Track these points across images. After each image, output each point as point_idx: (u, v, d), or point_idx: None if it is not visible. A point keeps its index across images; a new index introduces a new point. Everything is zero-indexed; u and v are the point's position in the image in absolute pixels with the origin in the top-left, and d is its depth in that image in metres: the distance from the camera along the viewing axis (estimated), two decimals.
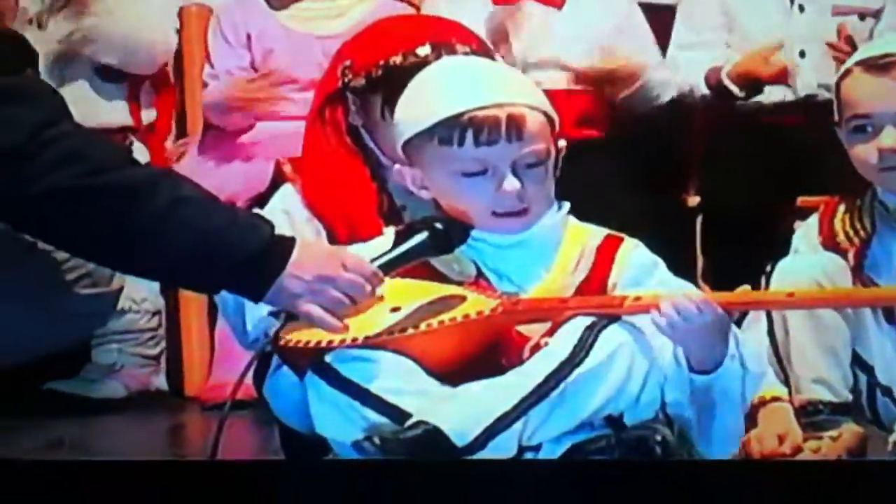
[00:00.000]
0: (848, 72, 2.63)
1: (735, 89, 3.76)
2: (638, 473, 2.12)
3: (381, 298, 2.35)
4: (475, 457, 2.24)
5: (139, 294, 3.76)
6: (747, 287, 2.35)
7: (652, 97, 3.82)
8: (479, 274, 2.40)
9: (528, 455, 2.29)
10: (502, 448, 2.26)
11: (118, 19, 3.82)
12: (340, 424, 2.30)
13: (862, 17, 3.76)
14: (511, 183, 2.37)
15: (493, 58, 2.65)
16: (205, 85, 3.88)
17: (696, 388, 2.31)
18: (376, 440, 2.23)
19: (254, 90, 3.74)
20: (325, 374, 2.30)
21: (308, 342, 2.32)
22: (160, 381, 3.89)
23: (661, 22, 3.91)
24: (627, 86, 3.73)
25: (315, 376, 2.31)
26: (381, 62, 2.59)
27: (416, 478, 2.13)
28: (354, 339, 2.31)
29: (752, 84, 3.75)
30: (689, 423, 2.33)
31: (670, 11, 3.93)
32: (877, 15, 3.78)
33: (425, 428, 2.24)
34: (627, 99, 3.78)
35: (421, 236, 2.38)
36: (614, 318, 2.28)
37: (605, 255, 2.41)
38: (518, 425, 2.26)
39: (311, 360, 2.32)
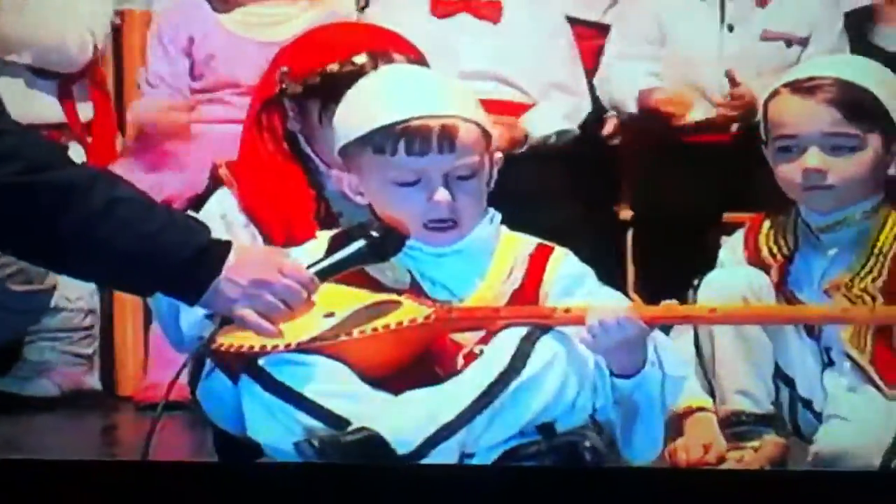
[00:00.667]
0: (776, 93, 2.66)
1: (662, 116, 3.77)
2: (569, 480, 2.15)
3: (313, 304, 2.35)
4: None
5: (74, 292, 3.72)
6: (673, 301, 2.38)
7: (549, 147, 3.79)
8: (414, 282, 2.42)
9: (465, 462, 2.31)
10: (443, 456, 2.28)
11: (24, 23, 3.79)
12: (273, 428, 2.31)
13: (788, 43, 3.81)
14: (442, 194, 2.38)
15: (428, 67, 2.66)
16: (137, 87, 3.87)
17: (618, 394, 2.35)
18: (315, 442, 2.24)
19: (171, 118, 3.74)
20: (259, 377, 2.31)
21: (241, 346, 2.31)
22: (93, 381, 3.85)
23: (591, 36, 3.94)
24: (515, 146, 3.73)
25: (249, 380, 2.31)
26: (319, 69, 2.60)
27: (353, 482, 2.14)
28: (288, 345, 2.31)
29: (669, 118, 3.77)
30: (615, 428, 2.36)
31: (600, 27, 3.96)
32: (803, 43, 3.81)
33: (367, 434, 2.25)
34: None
35: (358, 244, 2.39)
36: (547, 329, 2.31)
37: (538, 264, 2.43)
38: (461, 434, 2.28)
39: (245, 364, 2.32)
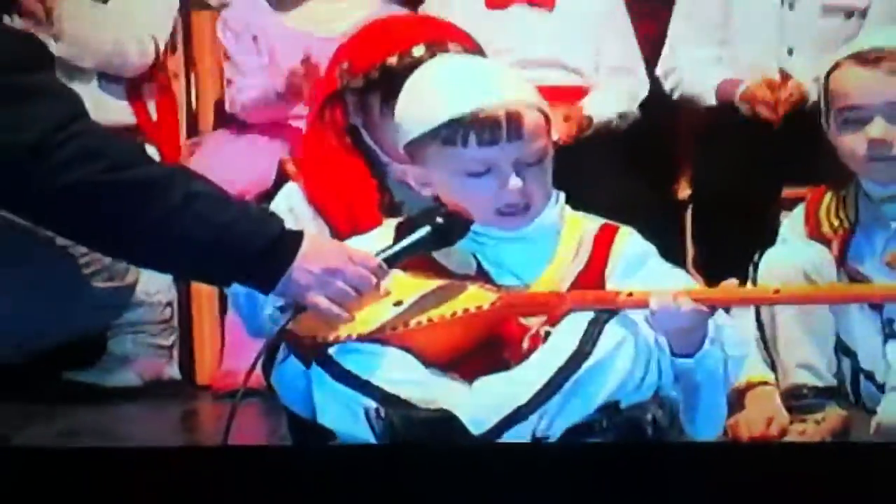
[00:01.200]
0: (837, 65, 2.61)
1: (745, 111, 3.66)
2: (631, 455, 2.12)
3: (382, 292, 2.34)
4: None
5: (153, 286, 3.75)
6: (733, 280, 2.33)
7: (613, 131, 3.74)
8: (479, 267, 2.39)
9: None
10: (519, 437, 2.25)
11: (85, 29, 3.80)
12: (344, 416, 2.31)
13: (849, 14, 3.72)
14: (514, 182, 2.36)
15: (485, 56, 2.63)
16: (228, 82, 3.86)
17: (679, 372, 2.32)
18: (383, 414, 2.23)
19: (300, 78, 3.64)
20: (329, 366, 2.30)
21: (314, 336, 2.32)
22: (173, 371, 3.87)
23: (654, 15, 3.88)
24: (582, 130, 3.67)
25: (318, 369, 2.31)
26: (378, 63, 2.58)
27: (420, 463, 2.13)
28: (359, 334, 2.30)
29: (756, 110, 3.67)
30: (677, 404, 2.33)
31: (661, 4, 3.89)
32: (863, 14, 3.73)
33: (442, 413, 2.24)
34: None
35: (423, 230, 2.37)
36: (614, 312, 2.29)
37: (602, 244, 2.41)
38: (534, 417, 2.26)
39: (315, 354, 2.31)
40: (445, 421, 2.24)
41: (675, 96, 3.79)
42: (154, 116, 3.91)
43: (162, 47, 3.90)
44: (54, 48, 3.65)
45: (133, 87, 3.88)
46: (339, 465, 2.15)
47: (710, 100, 3.73)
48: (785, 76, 3.65)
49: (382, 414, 2.24)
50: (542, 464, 2.12)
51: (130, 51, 3.83)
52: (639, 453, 2.14)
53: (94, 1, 3.81)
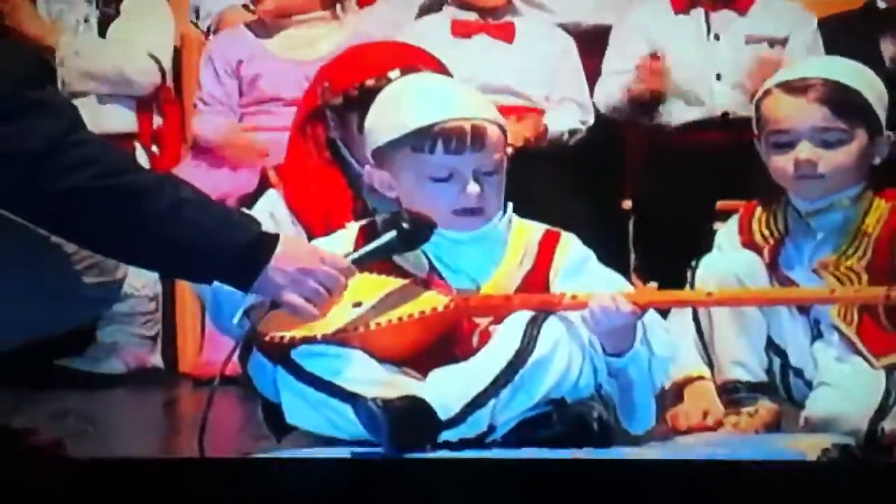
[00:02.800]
0: (767, 92, 2.61)
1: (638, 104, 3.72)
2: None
3: (348, 294, 2.31)
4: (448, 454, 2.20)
5: (140, 281, 3.75)
6: (654, 284, 2.32)
7: (562, 144, 3.77)
8: (432, 267, 2.37)
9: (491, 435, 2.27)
10: (477, 424, 2.25)
11: (87, 60, 3.87)
12: (310, 415, 2.28)
13: (771, 44, 3.76)
14: (473, 187, 2.35)
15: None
16: (194, 106, 3.92)
17: (612, 370, 2.31)
18: (378, 402, 2.19)
19: (233, 141, 3.78)
20: (292, 369, 2.28)
21: (280, 338, 2.28)
22: (156, 359, 3.86)
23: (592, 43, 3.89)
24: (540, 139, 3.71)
25: (283, 371, 2.29)
26: (357, 84, 2.60)
27: (397, 475, 2.08)
28: (323, 335, 2.27)
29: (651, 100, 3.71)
30: (613, 401, 2.32)
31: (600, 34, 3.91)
32: (783, 43, 3.76)
33: (414, 399, 2.22)
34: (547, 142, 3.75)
35: (390, 234, 2.35)
36: (550, 312, 2.28)
37: (546, 249, 2.40)
38: (490, 404, 2.24)
39: (280, 356, 2.29)
40: (418, 406, 2.21)
41: (605, 111, 3.81)
42: (156, 124, 3.95)
43: (167, 65, 3.96)
44: (63, 85, 3.77)
45: (142, 102, 3.94)
46: (315, 478, 2.10)
47: (624, 105, 3.74)
48: (655, 56, 3.66)
49: (379, 403, 2.19)
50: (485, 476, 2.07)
51: (135, 77, 3.90)
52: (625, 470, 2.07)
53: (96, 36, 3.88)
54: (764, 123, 2.60)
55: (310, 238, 2.54)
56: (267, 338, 2.29)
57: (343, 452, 2.22)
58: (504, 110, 2.59)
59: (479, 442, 2.26)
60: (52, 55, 3.82)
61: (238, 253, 2.27)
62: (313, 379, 2.26)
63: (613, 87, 3.77)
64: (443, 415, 2.23)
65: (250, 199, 2.72)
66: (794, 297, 2.52)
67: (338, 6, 3.89)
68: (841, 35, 3.77)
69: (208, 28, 4.09)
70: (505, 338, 2.28)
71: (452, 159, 2.35)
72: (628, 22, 3.84)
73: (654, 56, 3.71)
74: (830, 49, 3.70)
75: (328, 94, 2.64)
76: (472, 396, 2.24)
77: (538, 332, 2.26)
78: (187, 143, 4.01)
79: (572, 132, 3.78)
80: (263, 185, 2.70)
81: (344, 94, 2.62)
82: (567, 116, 3.79)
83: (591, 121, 3.81)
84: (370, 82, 2.58)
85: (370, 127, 2.43)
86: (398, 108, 2.40)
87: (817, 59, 3.40)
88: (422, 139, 2.35)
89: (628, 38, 3.80)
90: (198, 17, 4.13)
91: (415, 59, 2.63)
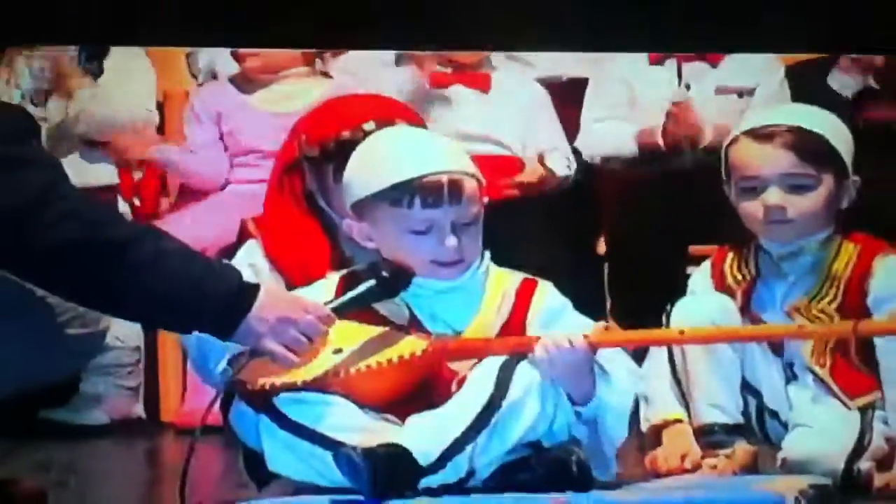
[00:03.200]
0: (735, 139, 2.60)
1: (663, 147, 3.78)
2: None
3: (329, 341, 2.29)
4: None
5: (122, 332, 3.73)
6: (602, 324, 2.32)
7: (560, 188, 3.83)
8: (412, 316, 2.37)
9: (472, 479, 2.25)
10: (457, 469, 2.23)
11: (101, 102, 3.92)
12: (291, 462, 2.26)
13: (740, 94, 3.80)
14: (451, 240, 2.35)
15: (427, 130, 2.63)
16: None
17: (581, 419, 2.30)
18: (359, 450, 2.17)
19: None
20: (276, 416, 2.26)
21: (262, 385, 2.26)
22: (139, 409, 3.85)
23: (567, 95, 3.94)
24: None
25: (266, 419, 2.27)
26: (333, 136, 2.60)
27: None
28: (304, 381, 2.25)
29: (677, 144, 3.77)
30: (584, 447, 2.31)
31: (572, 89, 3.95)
32: (751, 93, 3.81)
33: (395, 447, 2.20)
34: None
35: (369, 283, 2.34)
36: (522, 357, 2.27)
37: (524, 297, 2.39)
38: (468, 449, 2.23)
39: (262, 403, 2.27)
40: (398, 452, 2.19)
41: (597, 160, 3.85)
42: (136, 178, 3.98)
43: (155, 119, 4.03)
44: (74, 127, 3.83)
45: (121, 155, 3.98)
46: None
47: (632, 148, 3.78)
48: (683, 105, 3.72)
49: (360, 451, 2.17)
50: None
51: (138, 125, 3.97)
52: None
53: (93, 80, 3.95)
54: (732, 170, 2.60)
55: (289, 287, 2.52)
56: (249, 385, 2.26)
57: (323, 501, 2.20)
58: (482, 159, 2.59)
59: (459, 487, 2.23)
60: (70, 93, 3.87)
61: (220, 303, 2.25)
62: (296, 426, 2.25)
63: (614, 134, 3.81)
64: (422, 461, 2.21)
65: (230, 250, 2.70)
66: (764, 334, 2.51)
67: (318, 61, 3.93)
68: (807, 81, 3.82)
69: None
70: (478, 383, 2.27)
71: (430, 213, 2.34)
72: (607, 72, 3.90)
73: (680, 105, 3.75)
74: (798, 96, 3.75)
75: (305, 146, 2.64)
76: (449, 442, 2.22)
77: (511, 377, 2.25)
78: (169, 195, 4.02)
79: (566, 178, 3.85)
80: (243, 237, 2.68)
81: (320, 146, 2.61)
82: (558, 163, 3.85)
83: (574, 165, 3.86)
84: (346, 134, 2.57)
85: (348, 180, 2.42)
86: (376, 163, 2.39)
87: (783, 106, 3.41)
88: (400, 194, 2.34)
89: (608, 87, 3.87)
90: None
91: (390, 112, 2.63)
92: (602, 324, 2.31)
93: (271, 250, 2.61)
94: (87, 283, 2.24)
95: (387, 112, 2.62)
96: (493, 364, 2.27)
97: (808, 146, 2.53)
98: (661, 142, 3.75)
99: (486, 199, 2.42)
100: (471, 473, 2.24)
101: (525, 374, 2.26)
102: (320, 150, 2.61)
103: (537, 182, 3.74)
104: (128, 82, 4.00)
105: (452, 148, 2.45)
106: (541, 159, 3.77)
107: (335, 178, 2.57)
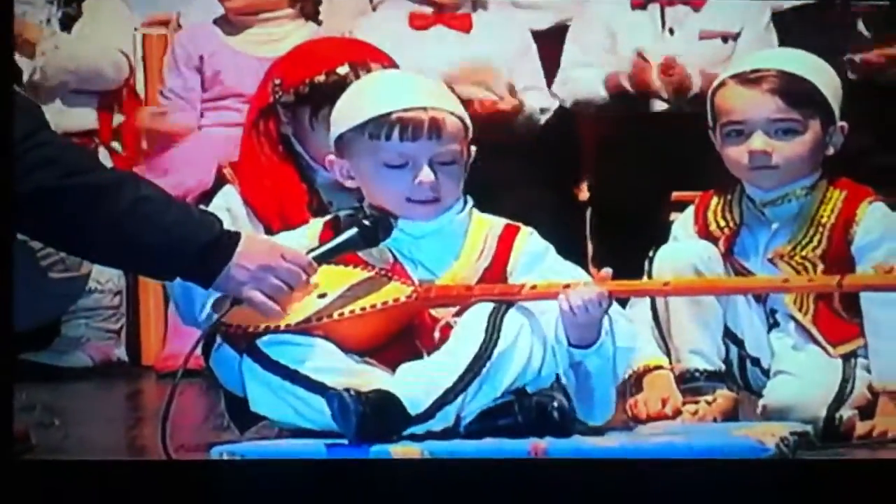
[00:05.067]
0: (722, 84, 2.54)
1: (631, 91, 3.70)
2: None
3: (311, 287, 2.27)
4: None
5: (104, 276, 3.72)
6: (607, 273, 2.27)
7: (533, 123, 3.77)
8: (396, 261, 2.34)
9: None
10: (446, 418, 2.20)
11: (66, 54, 3.85)
12: (273, 403, 2.24)
13: (725, 39, 3.74)
14: (426, 175, 2.31)
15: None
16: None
17: (574, 361, 2.27)
18: (351, 392, 2.14)
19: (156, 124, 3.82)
20: (259, 358, 2.24)
21: (245, 327, 2.25)
22: (121, 353, 3.83)
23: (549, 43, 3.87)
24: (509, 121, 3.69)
25: (249, 360, 2.24)
26: (307, 80, 2.58)
27: (368, 478, 2.04)
28: (287, 325, 2.24)
29: (644, 91, 3.69)
30: (573, 391, 2.27)
31: (558, 33, 3.89)
32: (736, 37, 3.75)
33: (385, 393, 2.16)
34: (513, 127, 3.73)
35: (351, 231, 2.32)
36: (510, 304, 2.24)
37: (505, 243, 2.36)
38: (459, 399, 2.20)
39: (245, 345, 2.24)
40: (387, 400, 2.16)
41: (569, 105, 3.78)
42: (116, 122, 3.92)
43: (133, 61, 3.97)
44: (43, 77, 3.78)
45: (104, 98, 3.93)
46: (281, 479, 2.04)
47: (602, 93, 3.71)
48: (671, 61, 3.63)
49: (353, 393, 2.13)
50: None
51: (109, 72, 3.90)
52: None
53: (61, 31, 3.88)
54: (718, 114, 2.55)
55: (267, 232, 2.51)
56: (233, 328, 2.25)
57: (317, 445, 2.17)
58: (466, 103, 2.52)
59: (443, 434, 2.20)
60: (33, 51, 3.81)
61: (200, 251, 2.23)
62: (279, 367, 2.24)
63: (587, 80, 3.75)
64: (412, 410, 2.18)
65: (207, 196, 2.67)
66: (748, 287, 2.47)
67: (300, 4, 3.87)
68: (795, 27, 3.76)
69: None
70: (468, 331, 2.23)
71: (408, 146, 2.31)
72: (588, 15, 3.83)
73: (641, 55, 3.68)
74: (785, 42, 3.67)
75: (279, 90, 2.62)
76: (440, 392, 2.19)
77: (500, 324, 2.22)
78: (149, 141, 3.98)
79: (543, 110, 3.78)
80: (220, 182, 2.66)
81: (294, 90, 2.60)
82: (534, 100, 3.79)
83: (555, 104, 3.79)
84: (320, 78, 2.57)
85: (333, 118, 2.40)
86: (360, 99, 2.37)
87: (771, 50, 3.34)
88: (378, 127, 2.31)
89: (588, 32, 3.80)
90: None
91: (364, 55, 2.61)
92: (607, 271, 2.25)
93: (248, 196, 2.60)
94: (66, 229, 2.21)
95: (361, 55, 2.60)
96: (481, 312, 2.24)
97: (796, 91, 2.48)
98: (627, 85, 3.68)
99: (473, 148, 2.38)
100: (458, 421, 2.22)
101: (514, 321, 2.24)
102: (295, 94, 2.60)
103: (511, 111, 3.66)
104: (107, 23, 3.94)
105: (438, 86, 2.42)
106: (511, 90, 3.69)
107: (311, 122, 2.57)
